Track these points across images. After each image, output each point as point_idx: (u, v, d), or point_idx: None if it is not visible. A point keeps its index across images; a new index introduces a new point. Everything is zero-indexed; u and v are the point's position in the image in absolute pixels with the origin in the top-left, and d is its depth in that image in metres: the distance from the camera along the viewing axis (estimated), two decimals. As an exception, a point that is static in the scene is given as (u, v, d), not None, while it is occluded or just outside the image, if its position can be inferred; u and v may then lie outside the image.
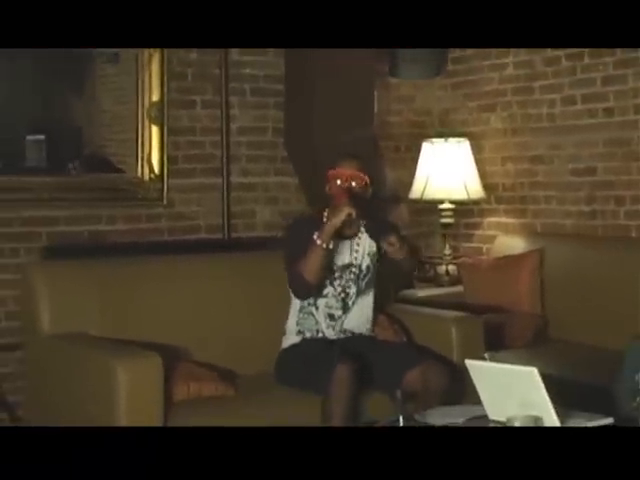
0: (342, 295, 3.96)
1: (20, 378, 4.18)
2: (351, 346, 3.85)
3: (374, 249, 4.01)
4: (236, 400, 3.69)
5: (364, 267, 4.00)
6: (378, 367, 3.77)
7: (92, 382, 3.49)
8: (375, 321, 4.07)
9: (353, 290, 3.97)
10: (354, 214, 3.76)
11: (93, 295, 3.86)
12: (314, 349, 3.81)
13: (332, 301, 3.95)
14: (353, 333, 3.98)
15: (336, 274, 3.95)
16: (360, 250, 3.99)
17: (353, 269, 3.98)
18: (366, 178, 3.94)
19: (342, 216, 3.75)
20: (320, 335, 3.93)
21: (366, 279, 4.01)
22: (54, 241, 4.72)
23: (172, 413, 3.46)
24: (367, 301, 4.01)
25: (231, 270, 4.22)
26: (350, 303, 3.97)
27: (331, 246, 3.80)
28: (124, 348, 3.60)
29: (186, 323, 3.99)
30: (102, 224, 4.88)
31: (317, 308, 3.94)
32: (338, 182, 3.90)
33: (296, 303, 3.99)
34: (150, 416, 3.36)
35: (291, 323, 3.99)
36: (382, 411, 3.51)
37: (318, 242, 3.76)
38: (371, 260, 4.01)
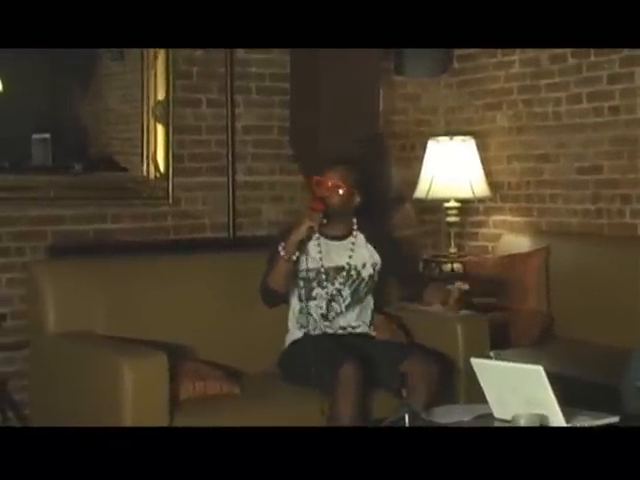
0: (335, 298, 3.94)
1: (26, 377, 4.18)
2: (350, 343, 3.85)
3: (377, 260, 4.01)
4: (241, 399, 3.69)
5: (365, 275, 4.00)
6: (374, 364, 3.76)
7: (98, 380, 3.49)
8: (374, 321, 4.06)
9: (347, 293, 3.96)
10: (316, 228, 3.79)
11: (99, 294, 3.87)
12: (316, 345, 3.81)
13: (322, 303, 3.94)
14: (352, 328, 3.97)
15: (327, 275, 3.94)
16: (355, 255, 3.99)
17: (350, 272, 3.96)
18: (347, 188, 3.91)
19: (302, 229, 3.78)
20: (321, 331, 3.93)
21: (367, 287, 4.00)
22: (60, 240, 4.72)
23: (177, 412, 3.46)
24: (366, 307, 4.01)
25: (237, 269, 4.21)
26: (344, 306, 3.96)
27: (294, 257, 3.82)
28: (130, 347, 3.61)
29: (191, 322, 3.99)
30: (108, 223, 4.89)
31: (311, 309, 3.94)
32: (319, 190, 3.91)
33: (294, 306, 3.99)
34: (155, 415, 3.36)
35: (292, 323, 4.01)
36: (383, 409, 3.53)
37: (282, 253, 3.80)
38: (374, 270, 4.01)
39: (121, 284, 3.93)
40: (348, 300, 3.97)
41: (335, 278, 3.95)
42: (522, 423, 2.83)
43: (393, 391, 3.53)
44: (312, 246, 3.92)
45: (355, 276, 3.97)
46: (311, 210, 3.82)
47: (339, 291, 3.95)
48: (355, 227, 4.04)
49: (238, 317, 4.09)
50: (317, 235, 3.93)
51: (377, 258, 4.02)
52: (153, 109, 4.94)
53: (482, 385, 3.16)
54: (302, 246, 3.83)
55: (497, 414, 3.13)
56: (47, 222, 4.71)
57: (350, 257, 3.98)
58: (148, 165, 4.96)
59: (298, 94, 5.33)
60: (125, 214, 4.93)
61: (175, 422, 3.41)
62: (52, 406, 3.77)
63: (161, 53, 4.91)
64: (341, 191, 3.90)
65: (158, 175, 4.98)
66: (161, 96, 4.95)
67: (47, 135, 4.73)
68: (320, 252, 3.94)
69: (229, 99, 5.19)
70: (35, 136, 4.72)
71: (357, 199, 3.98)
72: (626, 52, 4.67)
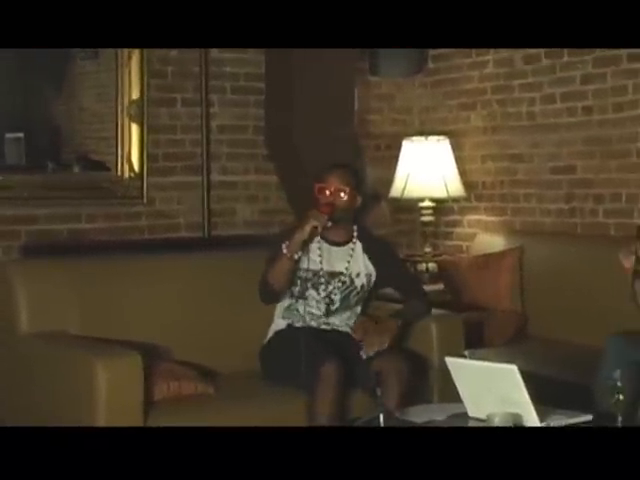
0: (325, 301, 3.95)
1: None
2: (331, 340, 3.86)
3: (372, 271, 4.02)
4: (216, 399, 3.68)
5: (358, 284, 4.00)
6: (353, 363, 3.77)
7: (72, 381, 3.47)
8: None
9: (337, 298, 3.97)
10: (320, 227, 3.79)
11: (72, 294, 3.84)
12: (299, 339, 3.80)
13: (313, 303, 3.95)
14: (337, 327, 3.98)
15: (322, 279, 3.95)
16: (352, 262, 3.99)
17: (342, 278, 3.98)
18: (351, 190, 3.93)
19: (307, 229, 3.78)
20: (305, 324, 3.93)
21: (358, 297, 4.01)
22: (33, 239, 4.70)
23: (152, 412, 3.45)
24: (353, 314, 4.02)
25: (211, 268, 4.20)
26: (333, 310, 3.97)
27: (297, 257, 3.83)
28: (104, 347, 3.59)
29: (166, 322, 3.98)
30: (82, 222, 4.87)
31: (299, 307, 3.95)
32: (323, 195, 3.91)
33: (284, 301, 3.99)
34: (130, 415, 3.34)
35: (278, 314, 4.01)
36: (359, 406, 3.54)
37: (284, 251, 3.80)
38: (367, 281, 4.02)
39: (95, 284, 3.91)
40: (337, 305, 3.97)
41: (329, 283, 3.96)
42: (496, 422, 2.84)
43: (368, 391, 3.54)
44: (313, 248, 3.93)
45: (348, 283, 3.98)
46: (318, 212, 3.83)
47: (330, 296, 3.96)
48: (355, 234, 4.05)
49: (213, 317, 4.08)
50: (318, 238, 3.94)
51: (371, 269, 4.03)
52: (127, 108, 4.93)
53: (457, 384, 3.17)
54: (304, 246, 3.84)
55: (471, 413, 3.14)
56: (21, 222, 4.69)
57: (348, 263, 3.99)
58: (122, 164, 4.95)
59: (273, 94, 5.33)
60: (99, 214, 4.91)
61: (149, 422, 3.40)
62: (25, 406, 3.74)
63: (135, 52, 4.89)
64: (343, 194, 3.92)
65: (132, 174, 4.97)
66: (135, 95, 4.93)
67: (20, 134, 4.71)
68: (320, 255, 3.95)
69: (204, 98, 5.18)
70: (8, 135, 4.69)
71: (359, 200, 3.99)
72: (599, 53, 4.70)
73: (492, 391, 3.01)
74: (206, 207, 5.22)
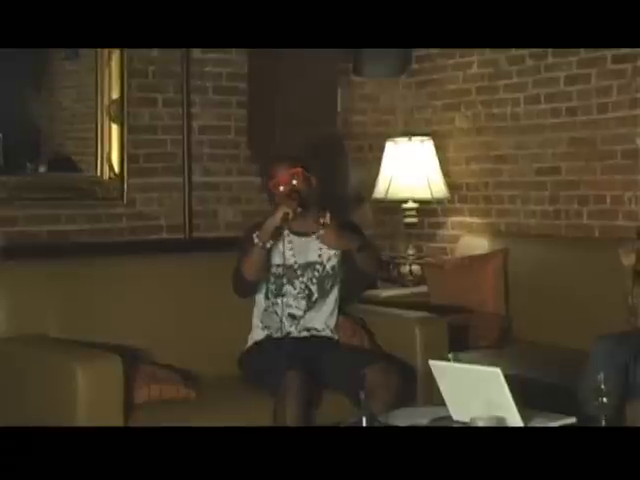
0: (304, 294, 3.95)
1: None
2: (311, 347, 3.86)
3: (338, 251, 4.01)
4: (197, 403, 3.67)
5: (329, 267, 4.00)
6: (335, 368, 3.77)
7: (52, 384, 3.46)
8: (337, 323, 4.07)
9: (315, 288, 3.97)
10: (291, 213, 3.78)
11: (52, 296, 3.83)
12: (275, 349, 3.81)
13: (291, 300, 3.94)
14: (317, 331, 3.97)
15: (297, 272, 3.95)
16: (325, 248, 3.99)
17: (317, 267, 3.98)
18: (300, 171, 3.91)
19: (279, 215, 3.78)
20: (284, 333, 3.93)
21: (331, 280, 4.01)
22: (12, 241, 4.68)
23: (132, 416, 3.44)
24: (330, 301, 4.01)
25: (193, 271, 4.20)
26: (312, 302, 3.97)
27: (269, 245, 3.83)
28: (84, 350, 3.58)
29: (147, 324, 3.97)
30: (61, 224, 4.85)
31: (278, 307, 3.94)
32: (279, 189, 3.91)
33: (260, 304, 3.99)
34: (110, 419, 3.33)
35: (255, 321, 4.01)
36: (342, 411, 3.53)
37: (256, 240, 3.80)
38: (337, 261, 4.01)
39: (75, 286, 3.90)
40: (315, 296, 3.96)
41: (303, 275, 3.95)
42: (480, 425, 2.85)
43: (351, 396, 3.54)
44: (282, 242, 3.92)
45: (321, 270, 3.97)
46: (287, 197, 3.82)
47: (308, 287, 3.95)
48: (326, 222, 4.02)
49: (195, 319, 4.07)
50: (287, 232, 3.93)
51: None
52: (107, 108, 4.92)
53: (440, 387, 3.18)
54: (276, 234, 3.83)
55: (455, 416, 3.14)
56: (-1, 223, 4.67)
57: (321, 250, 3.98)
58: (102, 165, 4.94)
59: (256, 94, 5.33)
60: (79, 215, 4.90)
61: (130, 426, 3.39)
62: (5, 409, 3.72)
63: (116, 51, 4.89)
64: (297, 177, 3.90)
65: (112, 175, 4.96)
66: (116, 95, 4.92)
67: (-1, 135, 4.69)
68: (292, 249, 3.94)
69: (185, 99, 5.17)
70: (-14, 136, 4.68)
71: (314, 181, 3.97)
72: (583, 54, 4.72)
73: (476, 394, 3.01)
74: (187, 209, 5.21)
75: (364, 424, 2.92)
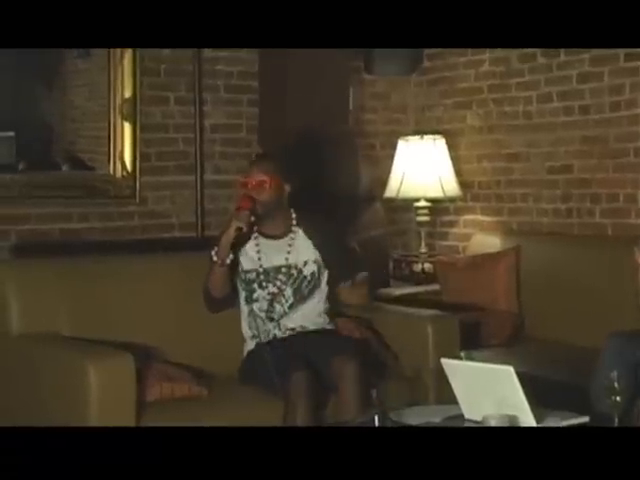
0: (278, 298, 3.90)
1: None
2: (297, 346, 3.80)
3: (319, 256, 3.97)
4: (209, 401, 3.67)
5: (307, 273, 3.94)
6: (322, 364, 3.67)
7: (63, 382, 3.47)
8: (336, 323, 4.02)
9: (289, 293, 3.91)
10: (245, 226, 3.77)
11: (64, 294, 3.84)
12: (268, 354, 3.76)
13: (264, 304, 3.91)
14: (303, 328, 3.92)
15: (267, 276, 3.90)
16: (295, 252, 3.94)
17: (291, 271, 3.92)
18: (270, 180, 3.85)
19: (231, 231, 3.77)
20: (271, 337, 3.90)
21: (310, 286, 3.95)
22: (25, 239, 4.69)
23: (144, 414, 3.44)
24: (312, 305, 3.95)
25: (205, 269, 4.19)
26: (287, 306, 3.91)
27: (228, 261, 3.81)
28: (96, 348, 3.58)
29: (159, 322, 3.97)
30: (74, 222, 4.86)
31: (255, 311, 3.92)
32: (240, 190, 3.89)
33: (243, 308, 3.96)
34: (122, 417, 3.34)
35: (244, 329, 3.97)
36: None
37: (215, 258, 3.80)
38: (317, 267, 3.97)
39: (87, 284, 3.91)
40: (291, 300, 3.91)
41: (275, 278, 3.91)
42: (492, 424, 2.84)
43: (331, 389, 3.54)
44: (251, 246, 3.91)
45: (296, 274, 3.93)
46: (237, 210, 3.81)
47: (281, 291, 3.91)
48: (294, 223, 4.00)
49: (206, 318, 4.06)
50: (255, 235, 3.91)
51: (318, 254, 3.98)
52: (120, 107, 4.92)
53: (452, 386, 3.17)
54: (235, 249, 3.82)
55: (467, 415, 3.14)
56: (11, 221, 4.67)
57: (288, 254, 3.94)
58: (115, 163, 4.94)
59: (267, 92, 5.33)
60: (91, 213, 4.90)
61: (142, 424, 3.39)
62: (17, 407, 3.73)
63: (128, 51, 4.88)
64: (266, 186, 3.87)
65: (125, 174, 4.96)
66: (128, 94, 4.93)
67: (11, 133, 4.69)
68: (259, 252, 3.92)
69: (197, 97, 5.17)
70: (-1, 134, 4.69)
71: (286, 190, 3.94)
72: (595, 52, 4.70)
73: (488, 392, 3.01)
74: (199, 207, 5.21)
75: (376, 423, 2.91)
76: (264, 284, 3.90)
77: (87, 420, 3.31)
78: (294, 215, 4.00)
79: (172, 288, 4.06)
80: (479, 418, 2.93)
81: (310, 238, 3.97)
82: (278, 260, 3.93)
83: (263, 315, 3.90)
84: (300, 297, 3.94)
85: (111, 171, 4.94)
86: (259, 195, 3.85)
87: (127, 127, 4.93)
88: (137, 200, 5.01)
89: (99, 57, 4.87)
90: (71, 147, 5.00)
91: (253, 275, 3.90)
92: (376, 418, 2.92)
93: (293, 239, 3.96)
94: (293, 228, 3.98)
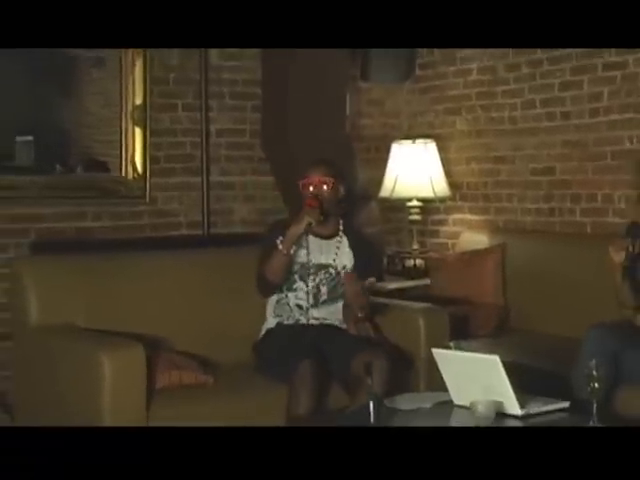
0: (313, 292, 3.93)
1: (10, 367, 4.16)
2: (320, 335, 3.85)
3: (353, 265, 4.00)
4: (215, 389, 3.68)
5: (343, 277, 3.97)
6: (335, 356, 3.73)
7: (78, 371, 3.48)
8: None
9: (325, 290, 3.95)
10: (314, 222, 3.78)
11: (79, 288, 3.85)
12: (286, 335, 3.81)
13: (301, 294, 3.93)
14: (324, 319, 3.96)
15: (310, 271, 3.94)
16: (340, 255, 3.98)
17: (330, 270, 3.97)
18: (332, 181, 3.90)
19: (302, 225, 3.79)
20: (294, 320, 3.93)
21: (342, 288, 3.95)
22: (42, 237, 4.70)
23: (154, 400, 3.45)
24: (339, 306, 3.98)
25: (210, 265, 4.21)
26: (321, 301, 3.95)
27: (292, 252, 3.83)
28: (108, 338, 3.60)
29: (168, 315, 3.98)
30: (88, 221, 4.88)
31: (289, 300, 3.95)
32: (308, 190, 3.90)
33: (273, 297, 3.99)
34: (133, 402, 3.36)
35: (269, 310, 4.00)
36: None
37: (280, 247, 3.81)
38: (350, 267, 3.98)
39: (100, 279, 3.91)
40: (324, 297, 3.95)
41: (317, 275, 3.94)
42: (479, 409, 2.86)
43: (344, 384, 3.55)
44: (301, 241, 3.92)
45: (334, 275, 3.97)
46: (308, 207, 3.82)
47: (318, 287, 3.95)
48: (341, 229, 4.03)
49: (212, 310, 4.08)
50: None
51: (353, 262, 4.00)
52: (131, 113, 4.93)
53: (442, 374, 3.18)
54: (298, 241, 3.84)
55: (456, 401, 3.16)
56: (30, 220, 4.69)
57: (336, 255, 3.98)
58: (126, 166, 4.95)
59: (269, 99, 5.34)
60: (104, 212, 4.92)
61: (151, 410, 3.40)
62: (34, 395, 3.75)
63: (139, 60, 4.90)
64: (326, 186, 3.90)
65: (136, 176, 4.98)
66: (139, 101, 4.94)
67: (30, 138, 4.71)
68: (307, 248, 3.94)
69: (203, 104, 5.19)
70: (19, 138, 4.70)
71: (342, 191, 3.98)
72: (576, 61, 4.71)
73: (476, 380, 3.02)
74: (206, 206, 5.22)
75: (371, 409, 2.92)
76: (306, 278, 3.93)
77: (100, 406, 3.32)
78: (341, 221, 4.03)
79: (180, 283, 4.07)
80: (467, 404, 2.95)
81: (351, 249, 4.00)
82: (324, 259, 3.96)
83: (294, 303, 3.92)
84: (333, 296, 3.97)
85: (123, 173, 4.96)
86: (322, 194, 3.88)
87: (138, 132, 4.95)
88: (147, 200, 5.03)
89: (112, 66, 4.89)
90: (86, 151, 5.01)
91: (298, 267, 3.92)
92: (371, 404, 2.93)
93: (340, 242, 4.00)
94: (340, 233, 4.01)
